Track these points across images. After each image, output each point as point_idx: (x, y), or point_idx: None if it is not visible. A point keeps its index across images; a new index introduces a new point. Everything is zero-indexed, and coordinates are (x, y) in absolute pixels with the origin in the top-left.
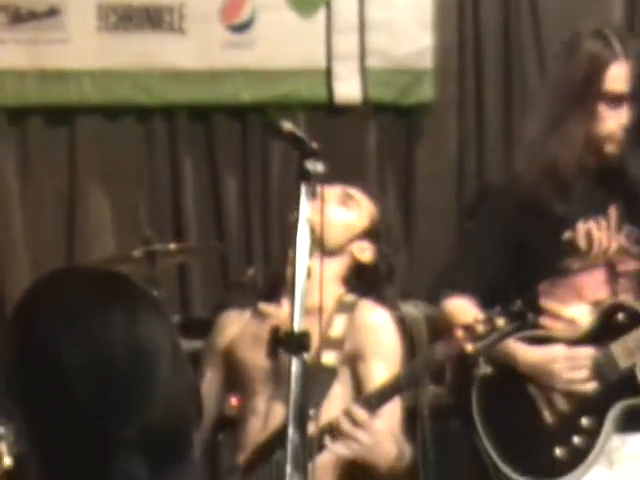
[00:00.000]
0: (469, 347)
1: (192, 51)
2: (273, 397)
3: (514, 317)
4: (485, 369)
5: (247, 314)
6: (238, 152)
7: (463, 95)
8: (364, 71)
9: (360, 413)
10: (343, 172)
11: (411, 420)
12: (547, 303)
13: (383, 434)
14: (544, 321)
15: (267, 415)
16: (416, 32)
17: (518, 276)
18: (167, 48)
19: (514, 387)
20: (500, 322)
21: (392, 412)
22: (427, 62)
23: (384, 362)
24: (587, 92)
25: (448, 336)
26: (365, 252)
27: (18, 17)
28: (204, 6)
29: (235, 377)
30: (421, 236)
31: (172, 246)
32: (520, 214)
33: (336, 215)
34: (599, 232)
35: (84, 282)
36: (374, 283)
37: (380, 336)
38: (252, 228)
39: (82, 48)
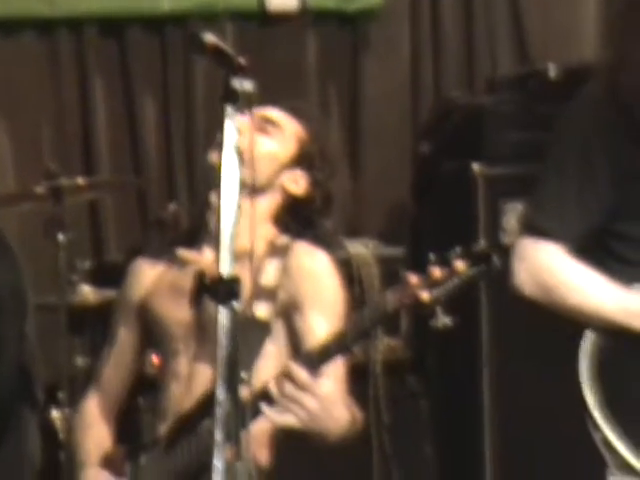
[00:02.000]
0: (424, 295)
1: None
2: (197, 357)
3: (476, 260)
4: (444, 320)
5: (164, 261)
6: (156, 71)
7: (415, 4)
8: None
9: (302, 373)
10: (278, 91)
11: (361, 378)
12: None
13: (330, 397)
14: None
15: (190, 378)
16: None
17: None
18: None
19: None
20: (460, 266)
21: (338, 371)
22: None
23: (324, 313)
24: None
25: (400, 283)
26: (296, 184)
27: None
28: None
29: (153, 334)
30: (370, 163)
31: (81, 181)
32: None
33: (259, 144)
34: None
35: None
36: (310, 219)
37: (319, 283)
38: (174, 159)
39: None
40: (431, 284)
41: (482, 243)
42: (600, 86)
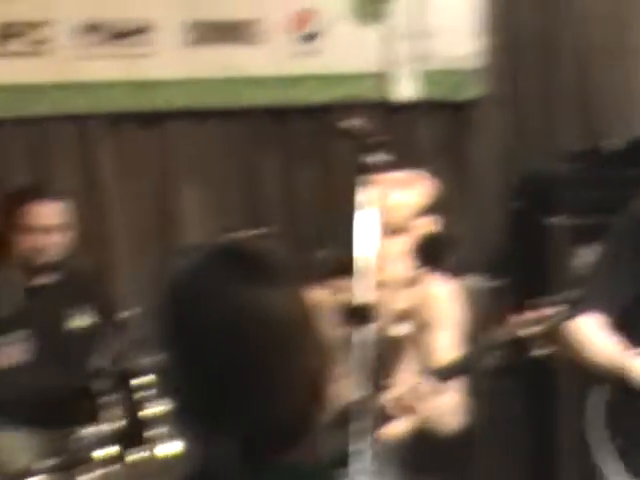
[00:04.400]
0: (522, 333)
1: (267, 59)
2: (348, 365)
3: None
4: (538, 351)
5: (321, 290)
6: (311, 148)
7: (507, 92)
8: (418, 73)
9: (428, 387)
10: (403, 163)
11: (472, 379)
12: None
13: (446, 408)
14: None
15: (343, 381)
16: (465, 37)
17: None
18: (244, 57)
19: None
20: (549, 311)
21: (456, 388)
22: (475, 63)
23: (449, 333)
24: None
25: (505, 322)
26: (428, 226)
27: (112, 35)
28: (276, 20)
29: None
30: (475, 217)
31: (252, 232)
32: None
33: (397, 197)
34: None
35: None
36: (439, 256)
37: (445, 307)
38: (323, 215)
39: (169, 60)
40: (527, 324)
41: (566, 293)
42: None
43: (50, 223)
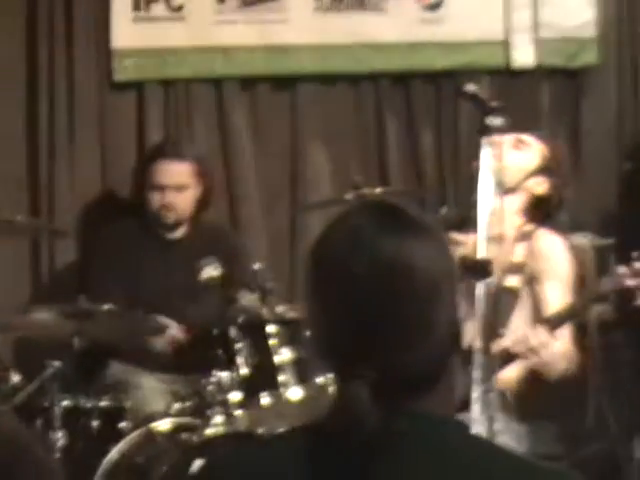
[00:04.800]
0: (631, 282)
1: (393, 27)
2: (467, 314)
3: None
4: None
5: None
6: (432, 111)
7: (622, 60)
8: (537, 41)
9: (542, 334)
10: (520, 127)
11: (582, 333)
12: None
13: (558, 353)
14: None
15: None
16: (581, 6)
17: None
18: (372, 25)
19: None
20: None
21: (566, 333)
22: (591, 32)
23: (558, 283)
24: None
25: (612, 273)
26: (540, 187)
27: (247, 2)
28: None
29: None
30: (588, 177)
31: (378, 190)
32: None
33: (512, 158)
34: None
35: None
36: (549, 213)
37: (554, 261)
38: (445, 175)
39: (301, 26)
40: (636, 274)
41: None
42: None
43: (179, 181)
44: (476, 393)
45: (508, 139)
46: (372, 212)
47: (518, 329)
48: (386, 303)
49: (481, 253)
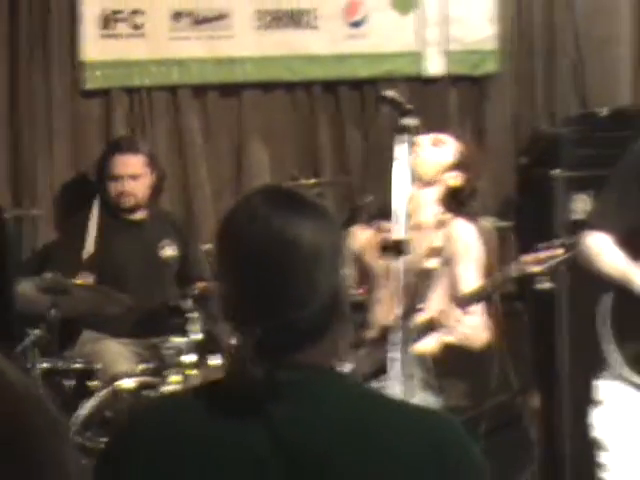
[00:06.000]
0: (536, 269)
1: (323, 41)
2: (392, 290)
3: (570, 248)
4: (546, 284)
5: (370, 229)
6: (358, 114)
7: (518, 69)
8: (446, 53)
9: (458, 313)
10: (433, 126)
11: (488, 303)
12: None
13: (477, 326)
14: None
15: (388, 303)
16: (483, 23)
17: None
18: (305, 39)
19: (636, 306)
20: (559, 251)
21: (479, 308)
22: (492, 45)
23: (471, 265)
24: None
25: (518, 259)
26: (455, 180)
27: (198, 20)
28: (331, 9)
29: (364, 275)
30: (490, 170)
31: (311, 181)
32: None
33: (431, 154)
34: None
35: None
36: (463, 203)
37: (468, 245)
38: (369, 168)
39: (245, 41)
40: (540, 262)
41: (574, 237)
42: None
43: (134, 171)
44: (397, 355)
45: (428, 138)
46: (267, 194)
47: (436, 305)
48: (274, 269)
49: (399, 235)
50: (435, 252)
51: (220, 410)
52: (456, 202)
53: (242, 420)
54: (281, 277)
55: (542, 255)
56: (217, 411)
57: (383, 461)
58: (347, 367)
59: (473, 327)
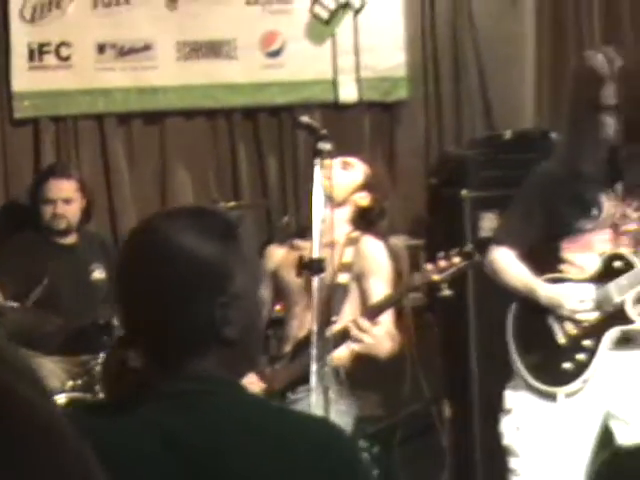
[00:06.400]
0: (436, 277)
1: (242, 70)
2: (306, 305)
3: (466, 256)
4: (447, 292)
5: (285, 247)
6: (276, 139)
7: (427, 95)
8: (358, 80)
9: (365, 321)
10: (347, 150)
11: (399, 316)
12: (566, 254)
13: (381, 336)
14: (563, 267)
15: (303, 318)
16: (394, 51)
17: (548, 234)
18: (225, 69)
19: (537, 316)
20: (456, 260)
21: (387, 318)
22: (402, 72)
23: (380, 279)
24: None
25: (421, 269)
26: (364, 200)
27: (122, 52)
28: (249, 40)
29: (280, 291)
30: (402, 190)
31: (231, 204)
32: (553, 192)
33: (340, 176)
34: (608, 202)
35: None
36: (372, 222)
37: (377, 261)
38: (287, 191)
39: (167, 71)
40: (440, 270)
41: (470, 246)
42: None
43: (67, 195)
44: (314, 368)
45: (336, 161)
46: (172, 211)
47: (348, 317)
48: (151, 284)
49: (316, 253)
50: (346, 268)
51: (121, 419)
52: (366, 221)
53: (138, 427)
54: (158, 292)
55: (442, 264)
56: (119, 420)
57: (270, 460)
58: (258, 382)
59: (377, 337)
